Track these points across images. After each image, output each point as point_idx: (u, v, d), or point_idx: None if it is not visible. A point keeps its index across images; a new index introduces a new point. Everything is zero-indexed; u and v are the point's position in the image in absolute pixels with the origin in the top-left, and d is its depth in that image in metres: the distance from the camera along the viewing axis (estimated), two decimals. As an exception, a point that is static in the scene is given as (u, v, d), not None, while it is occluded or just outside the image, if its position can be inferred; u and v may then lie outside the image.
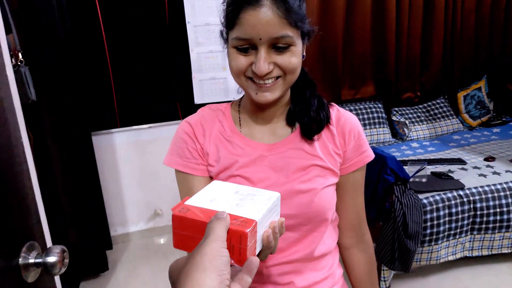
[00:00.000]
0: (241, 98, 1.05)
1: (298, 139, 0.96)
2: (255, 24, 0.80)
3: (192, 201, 0.63)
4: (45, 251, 0.77)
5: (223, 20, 0.90)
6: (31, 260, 0.75)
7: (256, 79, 0.86)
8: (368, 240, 1.09)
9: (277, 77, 0.86)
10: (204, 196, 0.66)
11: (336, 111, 1.00)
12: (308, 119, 0.95)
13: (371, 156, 1.01)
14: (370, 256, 1.09)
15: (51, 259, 0.76)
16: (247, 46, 0.84)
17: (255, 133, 0.98)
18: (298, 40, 0.86)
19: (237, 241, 0.56)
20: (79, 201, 2.65)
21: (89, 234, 2.71)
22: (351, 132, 0.98)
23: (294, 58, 0.85)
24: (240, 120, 1.00)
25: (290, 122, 0.99)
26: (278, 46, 0.83)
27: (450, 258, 2.43)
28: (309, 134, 0.95)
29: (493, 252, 2.47)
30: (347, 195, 1.02)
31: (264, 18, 0.79)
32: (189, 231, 0.59)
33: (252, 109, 0.99)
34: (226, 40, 0.92)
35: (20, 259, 0.73)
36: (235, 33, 0.84)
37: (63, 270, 0.79)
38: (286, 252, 0.96)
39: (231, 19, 0.84)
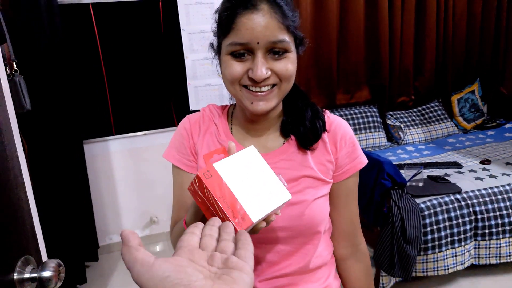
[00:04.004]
0: (233, 109, 1.02)
1: (291, 150, 0.94)
2: (252, 28, 0.78)
3: (219, 166, 0.67)
4: (41, 266, 0.76)
5: (215, 29, 0.89)
6: (26, 275, 0.74)
7: (253, 86, 0.83)
8: (364, 249, 1.06)
9: (273, 86, 0.84)
10: (233, 163, 0.69)
11: (327, 118, 0.98)
12: (304, 129, 0.93)
13: (364, 162, 0.99)
14: (367, 266, 1.06)
15: (47, 273, 0.74)
16: (243, 52, 0.81)
17: (247, 144, 0.96)
18: (293, 47, 0.85)
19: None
20: (68, 212, 2.61)
21: (74, 245, 2.65)
22: (342, 138, 0.96)
23: (290, 65, 0.83)
24: (232, 131, 0.98)
25: (284, 134, 0.96)
26: (275, 51, 0.81)
27: (459, 267, 2.37)
28: (306, 144, 0.93)
29: (502, 261, 2.42)
30: (340, 203, 1.00)
31: (262, 22, 0.78)
32: (202, 194, 0.65)
33: (244, 121, 0.96)
34: (217, 50, 0.90)
35: (15, 274, 0.71)
36: (230, 39, 0.81)
37: (58, 284, 0.77)
38: (280, 265, 0.94)
39: (226, 25, 0.82)
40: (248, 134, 0.97)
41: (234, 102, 1.02)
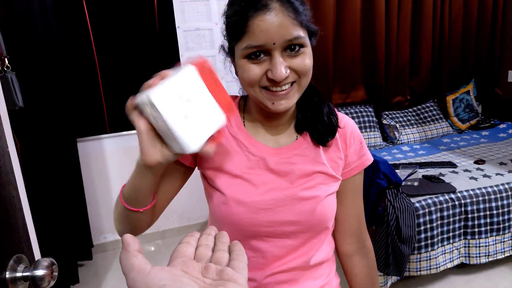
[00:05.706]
0: (245, 101, 1.00)
1: (304, 146, 0.94)
2: (267, 29, 0.76)
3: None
4: (33, 264, 0.75)
5: (225, 33, 0.87)
6: (19, 274, 0.72)
7: (273, 86, 0.82)
8: (369, 246, 1.07)
9: (292, 83, 0.83)
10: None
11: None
12: (322, 126, 0.93)
13: (370, 159, 1.00)
14: (372, 262, 1.07)
15: (40, 272, 0.73)
16: (259, 53, 0.80)
17: (260, 139, 0.95)
18: (308, 41, 0.84)
19: None
20: (62, 211, 2.59)
21: (67, 244, 2.63)
22: (351, 135, 0.97)
23: (307, 60, 0.83)
24: (244, 124, 0.96)
25: (299, 130, 0.96)
26: (292, 48, 0.80)
27: (449, 265, 2.40)
28: (322, 140, 0.93)
29: (490, 259, 2.46)
30: (347, 199, 1.01)
31: (276, 22, 0.76)
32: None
33: (258, 118, 0.95)
34: (230, 54, 0.88)
35: (7, 273, 0.70)
36: (245, 42, 0.79)
37: (52, 283, 0.76)
38: (284, 260, 0.94)
39: (238, 29, 0.80)
40: (261, 128, 0.96)
41: (244, 94, 1.00)
